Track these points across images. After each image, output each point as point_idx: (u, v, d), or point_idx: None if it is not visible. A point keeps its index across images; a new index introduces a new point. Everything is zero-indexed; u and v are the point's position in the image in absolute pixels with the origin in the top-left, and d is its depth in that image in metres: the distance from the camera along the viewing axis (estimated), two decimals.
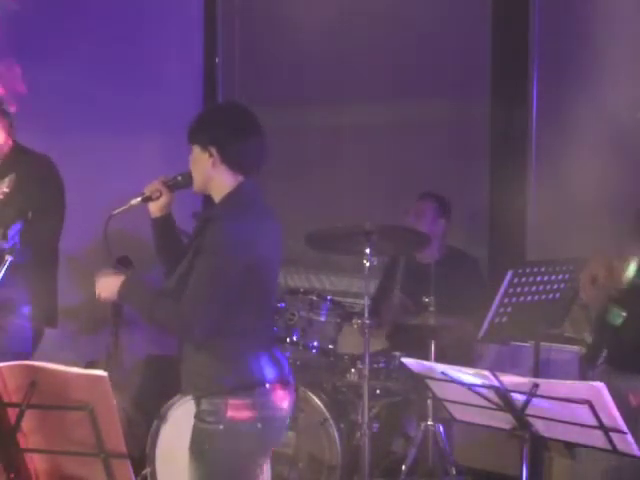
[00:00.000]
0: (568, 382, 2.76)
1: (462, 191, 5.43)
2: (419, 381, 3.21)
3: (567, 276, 4.15)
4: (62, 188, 4.38)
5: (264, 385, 3.07)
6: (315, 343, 4.70)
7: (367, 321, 4.42)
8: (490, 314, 4.03)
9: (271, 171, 3.59)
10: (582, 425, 2.75)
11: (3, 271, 3.55)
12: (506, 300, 4.03)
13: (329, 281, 6.12)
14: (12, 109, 4.35)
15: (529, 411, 2.85)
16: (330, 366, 4.77)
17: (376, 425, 4.55)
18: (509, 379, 2.83)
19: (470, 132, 5.58)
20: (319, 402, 4.47)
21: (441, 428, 4.54)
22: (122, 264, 4.66)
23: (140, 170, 4.70)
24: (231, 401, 3.04)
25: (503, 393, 2.85)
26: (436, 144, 5.68)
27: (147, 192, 3.25)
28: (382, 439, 4.72)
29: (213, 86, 6.57)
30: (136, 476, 2.81)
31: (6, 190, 3.68)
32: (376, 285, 5.24)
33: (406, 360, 3.09)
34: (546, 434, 2.91)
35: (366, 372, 4.39)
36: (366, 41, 5.86)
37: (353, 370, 4.68)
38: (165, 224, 3.30)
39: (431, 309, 4.51)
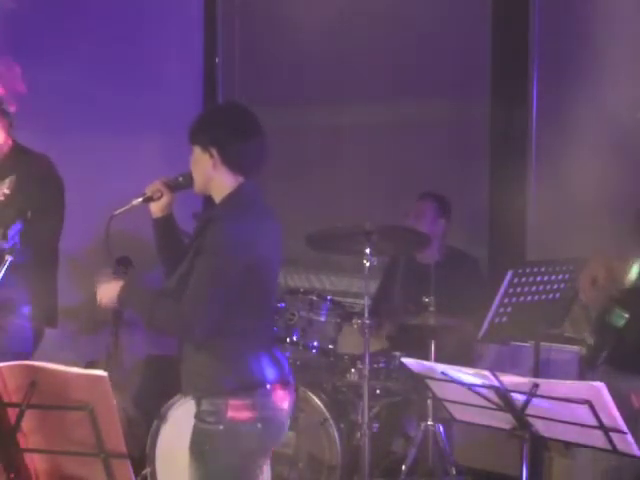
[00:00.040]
0: (568, 382, 2.76)
1: (462, 191, 5.42)
2: (419, 381, 3.21)
3: (567, 276, 4.15)
4: (62, 188, 4.37)
5: (264, 386, 3.08)
6: (315, 343, 4.70)
7: (367, 321, 4.42)
8: (490, 314, 4.02)
9: (271, 171, 3.59)
10: (582, 425, 2.75)
11: (3, 271, 3.55)
12: (506, 300, 4.03)
13: (329, 281, 6.12)
14: (12, 109, 4.33)
15: (529, 411, 2.85)
16: (330, 366, 4.77)
17: (376, 425, 4.55)
18: (509, 379, 2.83)
19: (470, 132, 5.58)
20: (319, 402, 4.48)
21: (441, 428, 4.54)
22: (122, 264, 4.69)
23: (140, 170, 4.70)
24: (231, 401, 3.04)
25: (503, 393, 2.85)
26: (436, 144, 5.68)
27: (148, 192, 3.26)
28: (382, 439, 4.72)
29: (213, 86, 6.57)
30: (136, 476, 2.81)
31: (7, 192, 3.68)
32: (376, 285, 5.24)
33: (406, 360, 3.09)
34: (546, 434, 2.91)
35: (366, 372, 4.39)
36: (366, 41, 5.86)
37: (353, 370, 4.68)
38: (166, 224, 3.31)
39: (431, 309, 4.51)
